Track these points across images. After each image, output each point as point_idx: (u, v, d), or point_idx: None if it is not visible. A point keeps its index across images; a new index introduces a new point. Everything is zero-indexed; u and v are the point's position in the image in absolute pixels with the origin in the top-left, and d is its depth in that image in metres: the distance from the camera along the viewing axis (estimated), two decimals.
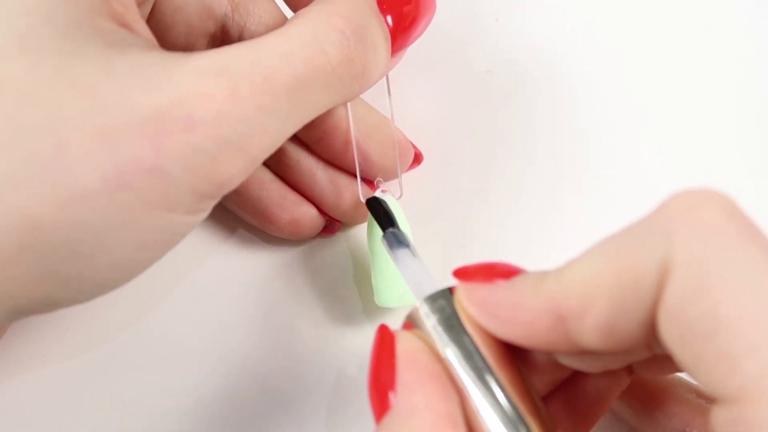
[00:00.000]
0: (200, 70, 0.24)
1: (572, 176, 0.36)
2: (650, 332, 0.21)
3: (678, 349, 0.20)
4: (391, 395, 0.22)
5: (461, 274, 0.24)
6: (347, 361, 0.33)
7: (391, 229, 0.29)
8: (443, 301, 0.24)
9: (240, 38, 0.30)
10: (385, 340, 0.23)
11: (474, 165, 0.36)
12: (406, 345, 0.23)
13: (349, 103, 0.31)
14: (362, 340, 0.33)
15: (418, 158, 0.35)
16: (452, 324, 0.23)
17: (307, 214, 0.33)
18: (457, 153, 0.36)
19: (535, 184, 0.36)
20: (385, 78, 0.32)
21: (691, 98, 0.37)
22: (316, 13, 0.27)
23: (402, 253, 0.28)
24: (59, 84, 0.23)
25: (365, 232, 0.32)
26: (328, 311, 0.34)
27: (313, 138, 0.32)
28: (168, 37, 0.31)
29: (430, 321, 0.23)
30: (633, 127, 0.37)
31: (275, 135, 0.26)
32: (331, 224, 0.34)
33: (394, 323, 0.33)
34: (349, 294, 0.34)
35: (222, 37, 0.31)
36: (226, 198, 0.32)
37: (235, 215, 0.34)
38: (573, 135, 0.36)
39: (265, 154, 0.26)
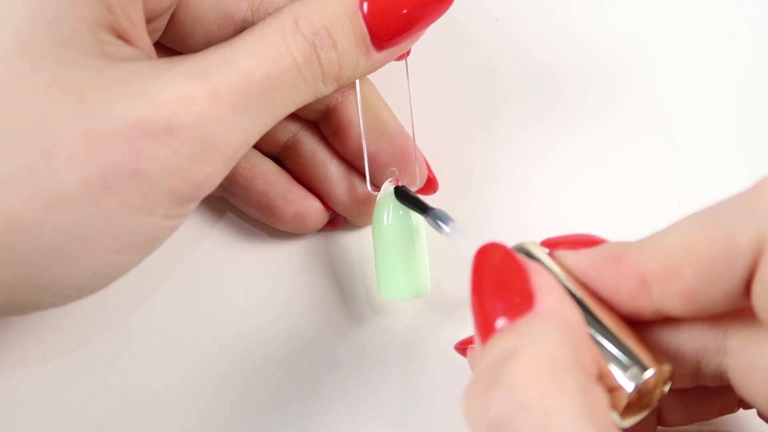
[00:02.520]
0: (183, 74, 0.25)
1: (573, 175, 0.36)
2: (734, 303, 0.22)
3: None
4: (500, 309, 0.22)
5: (548, 244, 0.25)
6: (350, 355, 0.33)
7: (432, 210, 0.30)
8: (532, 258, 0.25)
9: None
10: (507, 255, 0.24)
11: (474, 165, 0.36)
12: (537, 265, 0.24)
13: (359, 100, 0.32)
14: (366, 334, 0.33)
15: (432, 184, 0.35)
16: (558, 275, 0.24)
17: (311, 208, 0.33)
18: (457, 153, 0.36)
19: (535, 183, 0.36)
20: (405, 68, 0.32)
21: (690, 98, 0.37)
22: (287, 13, 0.27)
23: (453, 226, 0.29)
24: (54, 90, 0.24)
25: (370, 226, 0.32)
26: (332, 304, 0.34)
27: (329, 131, 0.33)
28: (187, 45, 0.31)
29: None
30: (633, 126, 0.37)
31: (249, 134, 0.26)
32: (336, 218, 0.34)
33: (399, 316, 0.33)
34: (353, 287, 0.34)
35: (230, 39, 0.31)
36: (231, 193, 0.33)
37: (239, 209, 0.34)
38: (573, 135, 0.36)
39: (240, 152, 0.27)
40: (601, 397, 0.21)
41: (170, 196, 0.25)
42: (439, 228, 0.29)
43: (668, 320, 0.24)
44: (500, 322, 0.22)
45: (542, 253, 0.25)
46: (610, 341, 0.23)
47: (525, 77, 0.37)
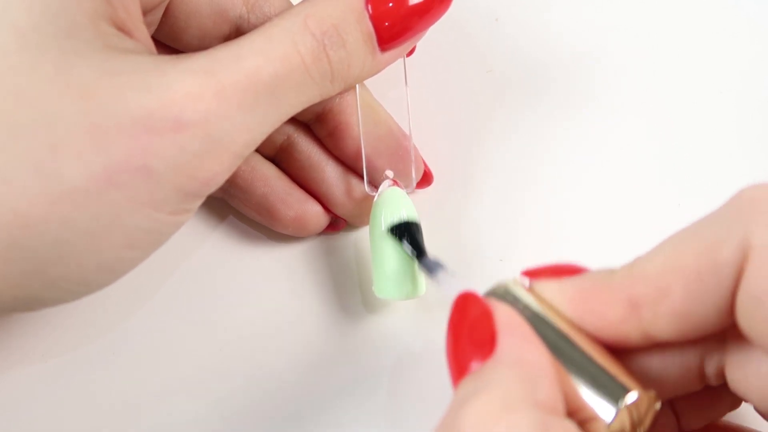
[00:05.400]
0: (188, 71, 0.25)
1: (572, 175, 0.36)
2: (725, 319, 0.22)
3: (759, 331, 0.21)
4: (472, 357, 0.22)
5: (530, 274, 0.25)
6: (348, 356, 0.33)
7: (426, 258, 0.30)
8: (510, 296, 0.24)
9: None
10: (477, 302, 0.24)
11: (473, 165, 0.36)
12: (504, 308, 0.23)
13: (359, 103, 0.32)
14: (364, 335, 0.33)
15: (427, 178, 0.35)
16: (531, 311, 0.24)
17: (311, 211, 0.33)
18: (456, 153, 0.36)
19: (534, 182, 0.36)
20: (403, 70, 0.33)
21: (690, 98, 0.37)
22: (294, 14, 0.27)
23: (443, 274, 0.29)
24: (57, 83, 0.24)
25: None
26: (331, 307, 0.34)
27: (324, 133, 0.33)
28: (181, 39, 0.31)
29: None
30: (634, 126, 0.37)
31: (255, 132, 0.26)
32: (336, 221, 0.34)
33: (396, 318, 0.33)
34: (352, 290, 0.34)
35: (236, 38, 0.31)
36: (231, 195, 0.33)
37: (239, 211, 0.34)
38: (573, 134, 0.36)
39: (246, 150, 0.27)
40: (567, 430, 0.21)
41: (177, 193, 0.25)
42: (429, 276, 0.29)
43: (658, 346, 0.23)
44: (469, 367, 0.22)
45: (519, 289, 0.24)
46: (589, 372, 0.22)
47: (525, 77, 0.37)
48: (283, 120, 0.27)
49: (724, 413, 0.27)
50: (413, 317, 0.34)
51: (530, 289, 0.24)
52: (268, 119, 0.27)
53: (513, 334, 0.22)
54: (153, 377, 0.33)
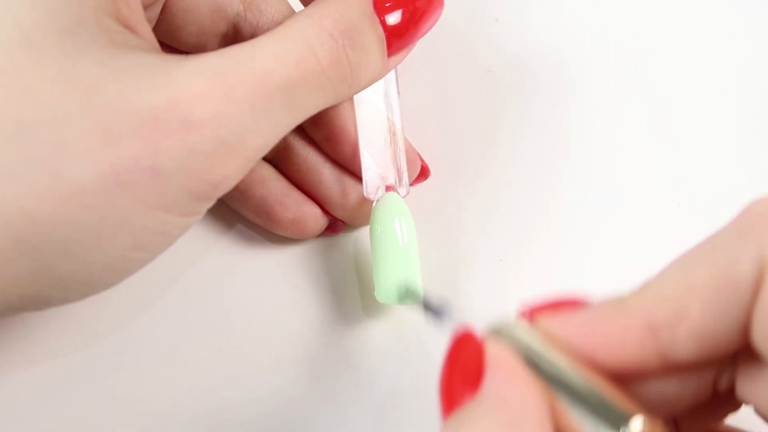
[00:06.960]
0: (198, 71, 0.25)
1: (573, 176, 0.36)
2: (744, 337, 0.21)
3: None
4: (462, 393, 0.22)
5: (529, 313, 0.24)
6: (348, 359, 0.33)
7: (432, 306, 0.28)
8: (513, 334, 0.23)
9: (252, 38, 0.31)
10: (470, 338, 0.23)
11: (473, 165, 0.36)
12: (496, 346, 0.23)
13: (355, 107, 0.32)
14: (363, 338, 0.33)
15: (424, 172, 0.35)
16: (531, 347, 0.23)
17: (310, 213, 0.33)
18: (457, 153, 0.36)
19: (535, 184, 0.36)
20: (395, 77, 0.32)
21: (690, 98, 0.37)
22: (307, 15, 0.27)
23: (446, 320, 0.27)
24: (62, 81, 0.24)
25: (368, 231, 0.32)
26: (330, 309, 0.34)
27: (320, 136, 0.32)
28: (179, 37, 0.31)
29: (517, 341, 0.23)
30: (634, 126, 0.37)
31: (268, 135, 0.26)
32: (335, 223, 0.34)
33: (396, 321, 0.33)
34: (352, 292, 0.34)
35: (234, 36, 0.31)
36: (230, 197, 0.33)
37: (238, 213, 0.34)
38: (574, 135, 0.36)
39: (259, 154, 0.26)
40: None
41: (186, 195, 0.25)
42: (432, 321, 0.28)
43: (676, 369, 0.23)
44: (457, 403, 0.22)
45: (521, 325, 0.23)
46: (592, 405, 0.22)
47: (525, 78, 0.37)
48: (297, 123, 0.27)
49: (726, 415, 0.26)
50: (414, 321, 0.34)
51: (532, 325, 0.23)
52: (281, 123, 0.26)
53: (499, 372, 0.22)
54: (154, 379, 0.33)
